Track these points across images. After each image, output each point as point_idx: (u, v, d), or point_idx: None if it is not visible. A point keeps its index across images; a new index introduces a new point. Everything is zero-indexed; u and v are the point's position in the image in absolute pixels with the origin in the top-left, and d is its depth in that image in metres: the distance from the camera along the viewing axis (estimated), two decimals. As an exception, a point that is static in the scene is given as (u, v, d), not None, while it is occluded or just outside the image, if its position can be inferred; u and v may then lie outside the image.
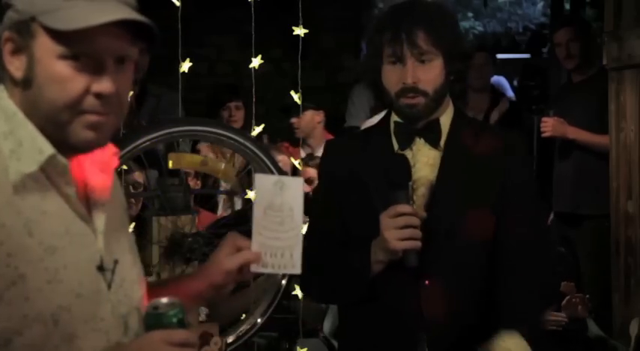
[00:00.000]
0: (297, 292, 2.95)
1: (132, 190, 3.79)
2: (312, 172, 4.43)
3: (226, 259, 1.64)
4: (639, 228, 3.89)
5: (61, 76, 1.33)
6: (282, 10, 4.05)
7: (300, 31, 2.87)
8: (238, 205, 4.30)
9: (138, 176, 3.88)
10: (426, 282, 2.09)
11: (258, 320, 2.75)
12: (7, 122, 1.35)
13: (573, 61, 4.79)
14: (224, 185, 4.10)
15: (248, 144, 2.72)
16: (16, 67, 1.35)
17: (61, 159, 1.37)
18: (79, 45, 1.33)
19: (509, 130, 2.40)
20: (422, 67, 2.09)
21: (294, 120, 5.07)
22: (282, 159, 3.72)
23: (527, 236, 2.14)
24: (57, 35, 1.32)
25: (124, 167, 3.02)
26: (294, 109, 4.91)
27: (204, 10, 6.17)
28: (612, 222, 4.05)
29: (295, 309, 2.99)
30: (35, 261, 1.32)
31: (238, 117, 5.21)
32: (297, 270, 1.77)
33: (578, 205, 4.62)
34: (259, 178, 1.80)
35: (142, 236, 3.42)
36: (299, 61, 2.83)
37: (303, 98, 3.01)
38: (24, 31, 1.34)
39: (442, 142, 2.16)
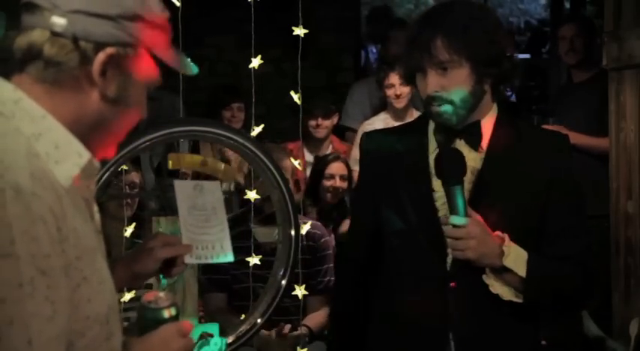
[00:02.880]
0: (297, 292, 2.95)
1: (128, 190, 3.80)
2: (339, 168, 4.49)
3: (159, 250, 1.81)
4: (639, 228, 3.89)
5: (144, 101, 1.45)
6: (281, 10, 4.05)
7: (299, 31, 2.86)
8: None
9: (134, 176, 3.88)
10: (452, 284, 2.09)
11: (258, 320, 2.75)
12: (34, 124, 1.34)
13: (576, 57, 4.80)
14: (224, 186, 4.10)
15: (248, 144, 2.72)
16: (104, 82, 1.37)
17: (95, 163, 1.41)
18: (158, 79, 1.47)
19: (554, 134, 2.35)
20: (444, 75, 2.05)
21: (320, 121, 5.08)
22: (286, 165, 3.68)
23: (568, 253, 2.11)
24: (158, 71, 1.44)
25: (124, 167, 3.02)
26: (325, 109, 5.00)
27: (204, 11, 6.16)
28: (612, 222, 4.04)
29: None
30: (91, 263, 1.34)
31: (239, 118, 5.24)
32: (230, 258, 1.97)
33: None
34: (178, 185, 2.02)
35: (141, 236, 3.43)
36: (299, 61, 2.82)
37: (304, 99, 3.01)
38: (131, 54, 1.39)
39: (484, 145, 2.12)
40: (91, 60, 1.35)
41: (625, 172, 3.96)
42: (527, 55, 10.33)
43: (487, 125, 2.14)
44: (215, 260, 1.94)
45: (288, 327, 3.60)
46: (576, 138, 4.61)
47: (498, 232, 2.04)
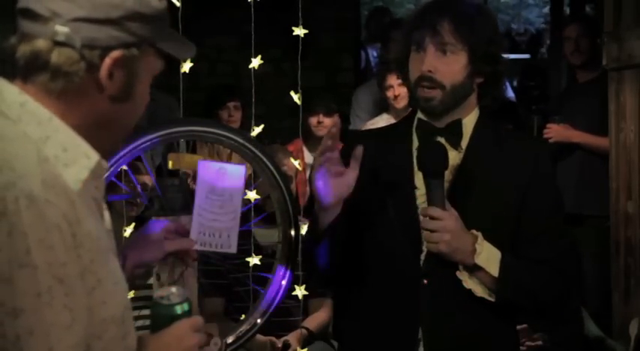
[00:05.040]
0: (298, 292, 2.95)
1: (140, 191, 3.81)
2: None
3: (167, 242, 1.84)
4: (639, 228, 3.89)
5: (149, 93, 1.45)
6: (281, 10, 4.05)
7: (299, 31, 2.86)
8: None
9: (148, 180, 3.88)
10: (424, 282, 2.09)
11: (258, 321, 2.75)
12: (41, 127, 1.33)
13: (581, 57, 4.80)
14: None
15: (248, 144, 2.72)
16: (112, 84, 1.36)
17: (104, 163, 1.40)
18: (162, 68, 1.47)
19: (535, 139, 2.37)
20: (442, 57, 2.08)
21: (322, 118, 5.08)
22: (287, 163, 3.69)
23: (544, 256, 2.11)
24: (162, 60, 1.44)
25: (124, 167, 3.02)
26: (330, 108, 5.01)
27: (204, 11, 6.17)
28: (612, 222, 4.05)
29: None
30: (105, 265, 1.34)
31: (237, 117, 5.22)
32: (232, 250, 1.96)
33: (581, 205, 4.61)
34: (202, 165, 1.95)
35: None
36: (299, 61, 2.82)
37: (304, 99, 3.01)
38: (134, 52, 1.38)
39: (464, 144, 2.14)
40: (98, 66, 1.34)
41: (625, 172, 3.97)
42: (527, 56, 10.34)
43: (468, 125, 2.16)
44: (218, 249, 1.93)
45: (281, 341, 3.62)
46: (582, 137, 4.62)
47: (473, 231, 2.05)
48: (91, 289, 1.29)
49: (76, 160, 1.34)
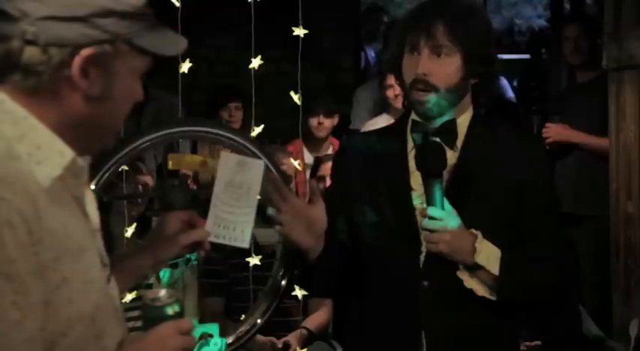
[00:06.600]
0: (297, 292, 2.96)
1: (141, 191, 3.81)
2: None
3: (181, 236, 1.79)
4: (639, 229, 3.89)
5: (136, 91, 1.43)
6: (281, 10, 4.05)
7: (299, 31, 2.86)
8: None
9: (149, 180, 3.89)
10: (425, 283, 2.10)
11: (258, 321, 2.75)
12: (17, 126, 1.34)
13: (580, 57, 4.79)
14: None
15: (248, 144, 2.73)
16: (87, 83, 1.35)
17: (80, 161, 1.40)
18: (148, 65, 1.43)
19: (529, 136, 2.38)
20: (437, 60, 2.07)
21: (322, 119, 5.08)
22: (286, 162, 3.70)
23: (542, 254, 2.12)
24: (146, 57, 1.41)
25: (124, 168, 3.02)
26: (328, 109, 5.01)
27: (204, 11, 6.16)
28: (612, 222, 4.04)
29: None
30: (73, 263, 1.34)
31: (237, 117, 5.23)
32: (245, 245, 1.93)
33: (580, 205, 4.61)
34: (224, 156, 1.97)
35: (143, 236, 3.43)
36: (299, 62, 2.82)
37: (304, 99, 3.01)
38: (108, 49, 1.36)
39: (459, 144, 2.14)
40: (69, 64, 1.34)
41: (625, 173, 3.96)
42: (527, 56, 10.32)
43: (462, 124, 2.16)
44: (231, 243, 1.91)
45: (281, 341, 3.62)
46: (581, 137, 4.62)
47: (472, 229, 2.05)
48: (54, 287, 1.30)
49: (49, 157, 1.35)
